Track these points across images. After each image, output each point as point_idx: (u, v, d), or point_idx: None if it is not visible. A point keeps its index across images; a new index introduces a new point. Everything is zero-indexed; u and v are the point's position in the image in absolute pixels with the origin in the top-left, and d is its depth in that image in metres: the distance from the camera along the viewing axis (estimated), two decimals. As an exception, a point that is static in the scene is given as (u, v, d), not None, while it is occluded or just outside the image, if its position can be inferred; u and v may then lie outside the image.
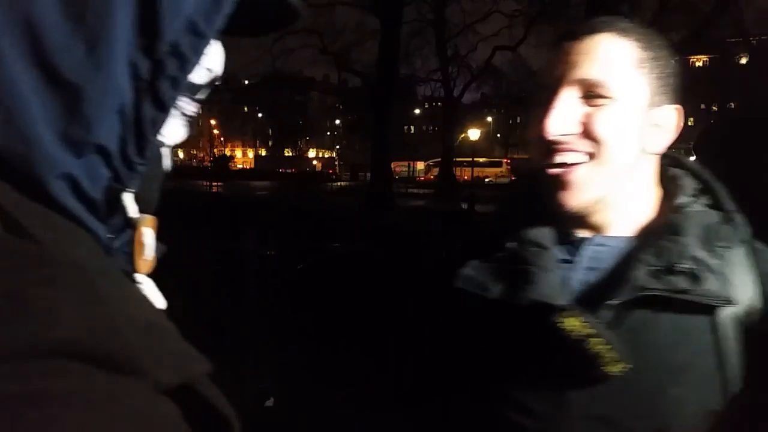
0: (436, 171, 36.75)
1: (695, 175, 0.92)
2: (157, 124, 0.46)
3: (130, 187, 0.47)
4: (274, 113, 66.04)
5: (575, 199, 0.84)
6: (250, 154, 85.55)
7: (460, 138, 36.79)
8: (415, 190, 34.73)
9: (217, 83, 0.54)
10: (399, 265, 4.13)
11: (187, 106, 0.51)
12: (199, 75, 0.50)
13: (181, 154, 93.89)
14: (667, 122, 0.87)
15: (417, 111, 65.28)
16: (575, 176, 0.83)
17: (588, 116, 0.83)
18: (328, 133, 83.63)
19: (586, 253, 0.87)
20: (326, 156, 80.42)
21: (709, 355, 0.80)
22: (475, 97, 59.59)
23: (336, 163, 64.29)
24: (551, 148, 0.83)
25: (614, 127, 0.82)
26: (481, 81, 39.83)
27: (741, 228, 0.85)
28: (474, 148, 30.30)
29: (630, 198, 0.87)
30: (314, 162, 73.26)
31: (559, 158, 0.83)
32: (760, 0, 19.84)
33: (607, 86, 0.82)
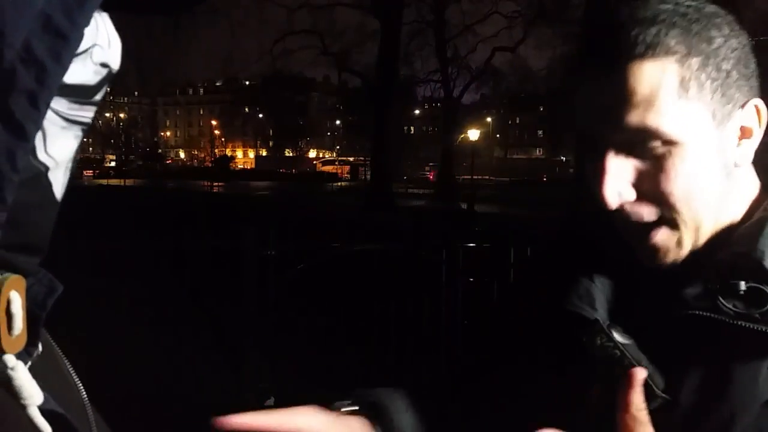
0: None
1: None
2: (16, 156, 0.35)
3: None
4: (274, 114, 65.98)
5: (661, 261, 0.69)
6: (251, 154, 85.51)
7: (459, 138, 36.79)
8: (415, 190, 34.73)
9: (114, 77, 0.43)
10: (399, 265, 4.13)
11: (80, 112, 0.41)
12: (89, 74, 0.40)
13: (182, 155, 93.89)
14: (748, 125, 0.68)
15: (417, 112, 65.25)
16: (655, 242, 0.67)
17: (647, 174, 0.65)
18: (329, 134, 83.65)
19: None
20: (326, 156, 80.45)
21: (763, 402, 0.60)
22: (474, 98, 59.70)
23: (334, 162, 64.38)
24: (617, 214, 0.67)
25: (684, 178, 0.64)
26: (481, 82, 39.89)
27: None
28: (474, 148, 30.32)
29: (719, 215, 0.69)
30: (315, 162, 73.29)
31: (628, 224, 0.68)
32: (760, 0, 19.83)
33: (659, 131, 0.63)
